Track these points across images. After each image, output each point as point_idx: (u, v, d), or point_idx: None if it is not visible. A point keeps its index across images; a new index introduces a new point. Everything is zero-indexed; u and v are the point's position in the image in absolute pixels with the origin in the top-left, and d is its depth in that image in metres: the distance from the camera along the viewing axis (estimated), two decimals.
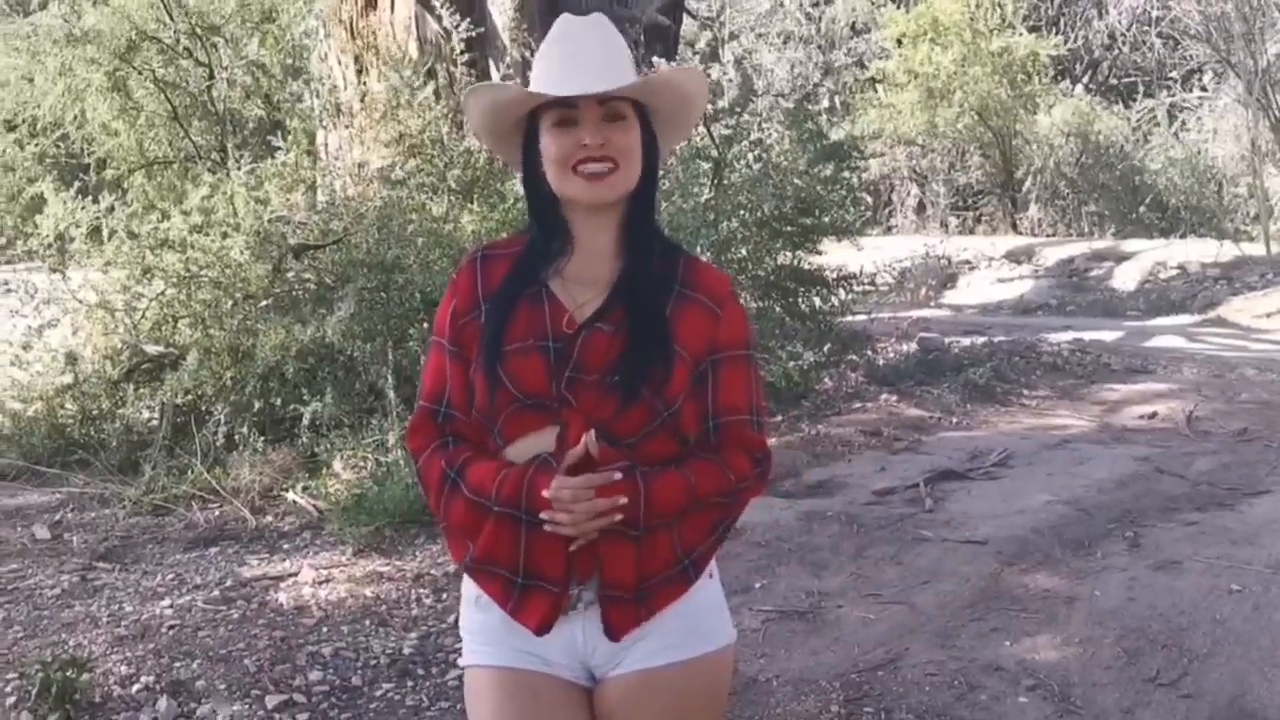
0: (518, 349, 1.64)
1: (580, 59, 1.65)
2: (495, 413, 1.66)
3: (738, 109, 7.87)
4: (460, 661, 1.79)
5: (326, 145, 8.64)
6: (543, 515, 1.60)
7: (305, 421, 5.54)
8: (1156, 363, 9.32)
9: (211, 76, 9.83)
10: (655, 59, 8.14)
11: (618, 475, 1.58)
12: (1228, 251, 14.91)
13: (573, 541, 1.62)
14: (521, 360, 1.64)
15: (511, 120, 1.72)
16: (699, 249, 6.86)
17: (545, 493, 1.59)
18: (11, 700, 3.21)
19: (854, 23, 23.25)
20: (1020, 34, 19.55)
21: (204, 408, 5.84)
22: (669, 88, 1.72)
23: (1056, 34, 20.84)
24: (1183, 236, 16.94)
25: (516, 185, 5.98)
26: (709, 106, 7.70)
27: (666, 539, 1.66)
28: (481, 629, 1.73)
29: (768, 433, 1.79)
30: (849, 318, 8.58)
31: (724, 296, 1.72)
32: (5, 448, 6.03)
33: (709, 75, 7.88)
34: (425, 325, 5.62)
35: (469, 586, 1.75)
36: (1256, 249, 15.11)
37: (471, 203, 6.84)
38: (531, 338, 1.65)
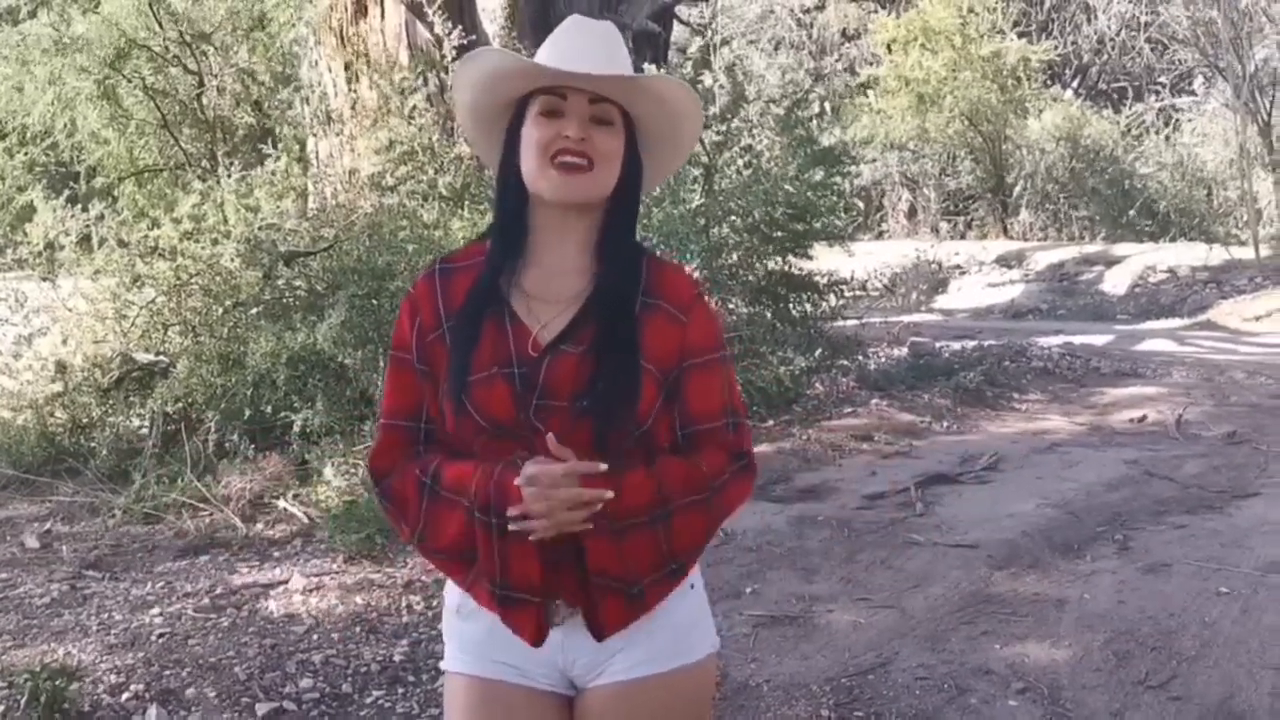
0: (482, 378, 1.59)
1: (584, 53, 1.62)
2: (466, 441, 1.62)
3: (729, 115, 7.89)
4: (441, 664, 1.78)
5: (317, 152, 8.65)
6: (510, 512, 1.53)
7: (296, 429, 5.54)
8: (1146, 366, 9.36)
9: (201, 84, 9.83)
10: (645, 65, 8.17)
11: (603, 466, 1.53)
12: (1217, 255, 14.97)
13: (544, 543, 1.56)
14: (486, 390, 1.59)
15: (500, 99, 1.68)
16: (690, 255, 6.87)
17: (518, 480, 1.52)
18: (0, 709, 3.20)
19: (845, 29, 23.33)
20: (1010, 39, 19.63)
21: (194, 416, 5.82)
22: (660, 103, 1.68)
23: (1046, 39, 20.93)
24: (1172, 240, 17.02)
25: None
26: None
27: (648, 540, 1.60)
28: (461, 637, 1.71)
29: (748, 432, 1.73)
30: (840, 323, 8.61)
31: (689, 302, 1.67)
32: None
33: (700, 82, 7.90)
34: None
35: (452, 594, 1.73)
36: (1246, 253, 15.18)
37: (462, 209, 6.85)
38: (495, 365, 1.59)
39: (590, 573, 1.59)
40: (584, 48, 1.64)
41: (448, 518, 1.62)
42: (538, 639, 1.62)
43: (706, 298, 1.76)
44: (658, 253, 1.78)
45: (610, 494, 1.53)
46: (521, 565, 1.58)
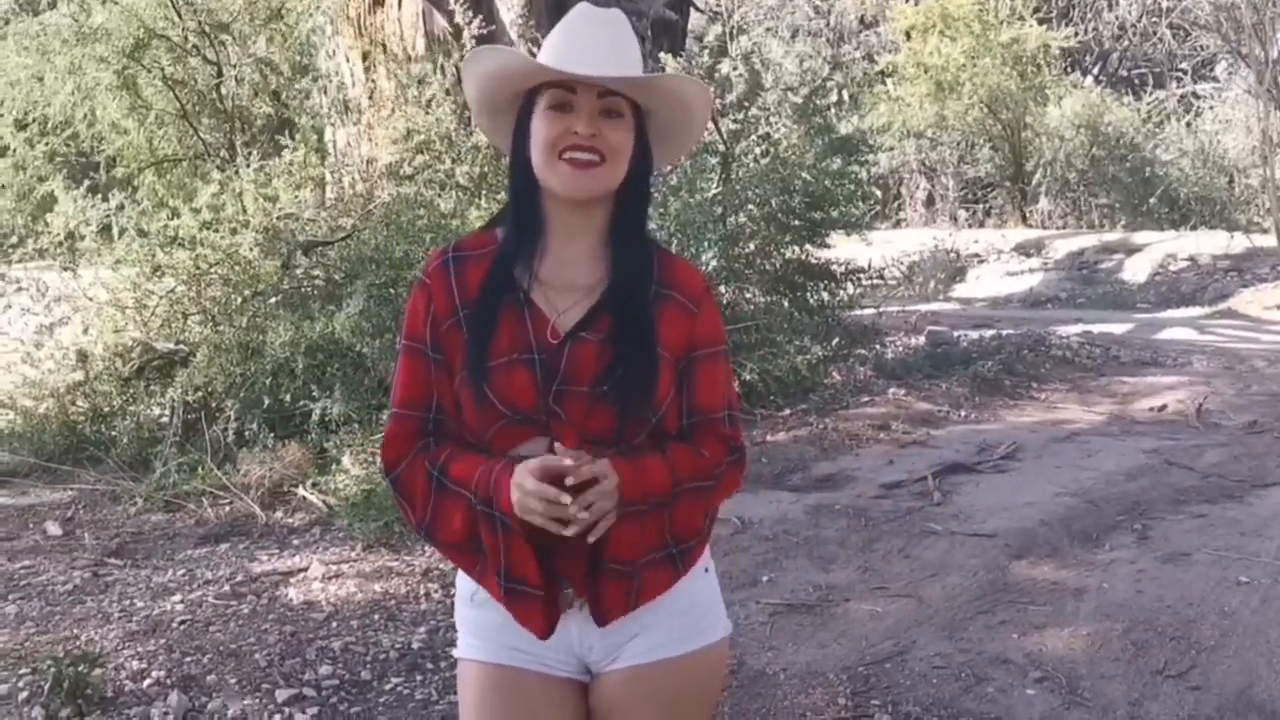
0: (503, 364, 1.61)
1: (590, 46, 1.62)
2: (484, 427, 1.63)
3: (746, 103, 7.86)
4: (454, 652, 1.80)
5: (335, 142, 8.68)
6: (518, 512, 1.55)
7: (315, 418, 5.56)
8: (1166, 355, 9.30)
9: (220, 74, 9.84)
10: (662, 54, 8.15)
11: (589, 469, 1.54)
12: (1238, 243, 14.84)
13: (540, 535, 1.58)
14: (507, 376, 1.60)
15: (507, 93, 1.69)
16: (707, 244, 6.87)
17: (514, 495, 1.54)
18: (24, 695, 3.23)
19: (863, 16, 23.22)
20: (1030, 25, 19.48)
21: (214, 404, 5.87)
22: (670, 95, 1.69)
23: (1067, 25, 20.77)
24: (1193, 228, 16.87)
25: None
26: (717, 102, 7.71)
27: (656, 523, 1.64)
28: (475, 624, 1.73)
29: (741, 425, 1.77)
30: (857, 311, 8.58)
31: (700, 294, 1.71)
32: (17, 445, 6.08)
33: (718, 70, 7.88)
34: None
35: (464, 583, 1.74)
36: (1267, 240, 15.04)
37: (479, 199, 6.85)
38: (515, 351, 1.61)
39: (605, 559, 1.62)
40: (592, 41, 1.63)
41: (453, 510, 1.64)
42: (545, 631, 1.64)
43: (713, 293, 1.78)
44: (674, 242, 1.79)
45: (616, 479, 1.55)
46: (520, 560, 1.61)
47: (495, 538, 1.61)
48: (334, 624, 3.86)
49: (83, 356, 6.29)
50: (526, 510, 1.54)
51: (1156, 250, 15.42)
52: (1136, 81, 22.48)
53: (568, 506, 1.51)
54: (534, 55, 1.71)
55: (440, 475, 1.64)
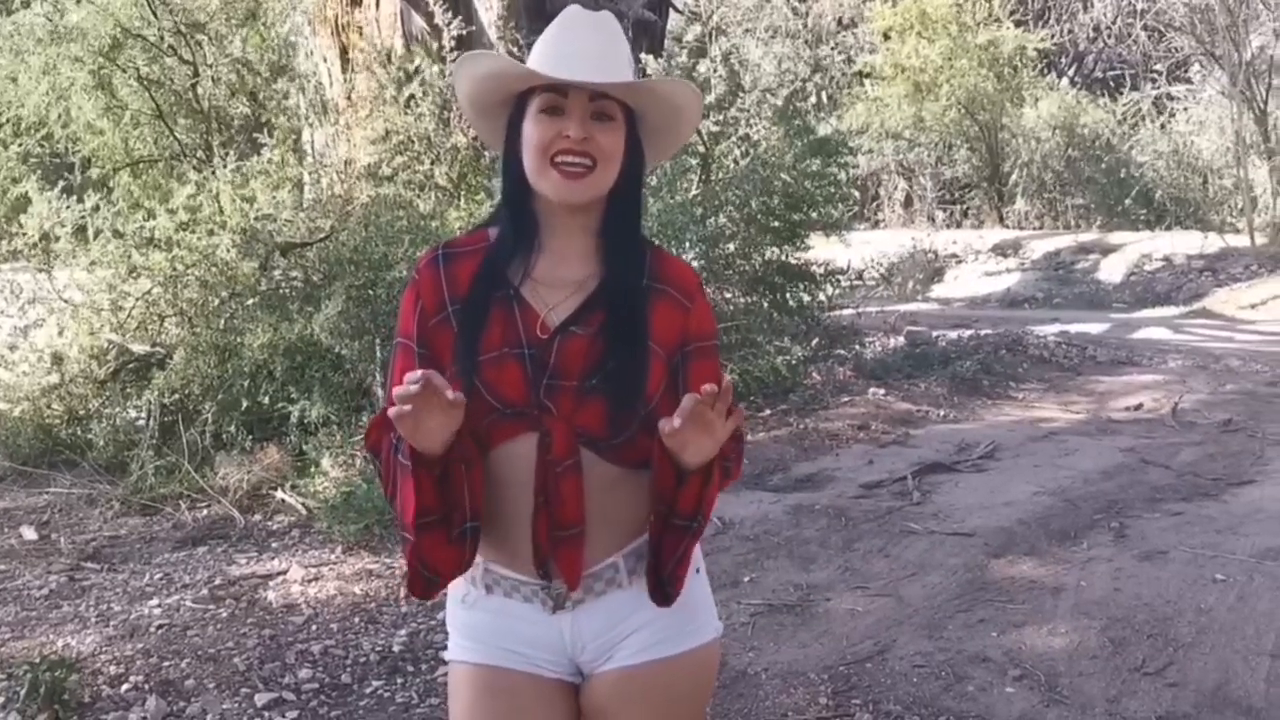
0: (493, 358, 1.61)
1: (581, 50, 1.63)
2: (475, 421, 1.60)
3: (726, 105, 7.88)
4: (444, 655, 1.79)
5: (313, 143, 8.64)
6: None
7: (293, 420, 5.54)
8: (1142, 355, 9.38)
9: (196, 74, 9.78)
10: (642, 55, 8.15)
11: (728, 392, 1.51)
12: (1213, 243, 14.98)
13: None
14: (497, 370, 1.60)
15: (499, 95, 1.69)
16: (687, 244, 6.87)
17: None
18: (0, 701, 3.20)
19: (841, 17, 23.28)
20: (1007, 27, 19.60)
21: (191, 407, 5.83)
22: (662, 99, 1.69)
23: (1042, 27, 20.90)
24: (1168, 229, 17.02)
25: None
26: None
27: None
28: (466, 626, 1.72)
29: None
30: (837, 312, 8.61)
31: (693, 289, 1.72)
32: None
33: (697, 70, 7.89)
34: None
35: (455, 585, 1.73)
36: (1241, 240, 15.20)
37: (459, 199, 6.84)
38: (506, 346, 1.61)
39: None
40: (583, 45, 1.64)
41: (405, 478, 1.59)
42: (454, 567, 1.60)
43: (705, 288, 1.77)
44: (655, 242, 1.79)
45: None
46: (422, 491, 1.55)
47: (404, 480, 1.55)
48: (314, 627, 3.84)
49: (58, 359, 6.23)
50: (399, 415, 1.46)
51: (1132, 250, 15.55)
52: (1112, 83, 22.60)
53: (441, 392, 1.45)
54: (514, 56, 1.71)
55: (398, 441, 1.58)
